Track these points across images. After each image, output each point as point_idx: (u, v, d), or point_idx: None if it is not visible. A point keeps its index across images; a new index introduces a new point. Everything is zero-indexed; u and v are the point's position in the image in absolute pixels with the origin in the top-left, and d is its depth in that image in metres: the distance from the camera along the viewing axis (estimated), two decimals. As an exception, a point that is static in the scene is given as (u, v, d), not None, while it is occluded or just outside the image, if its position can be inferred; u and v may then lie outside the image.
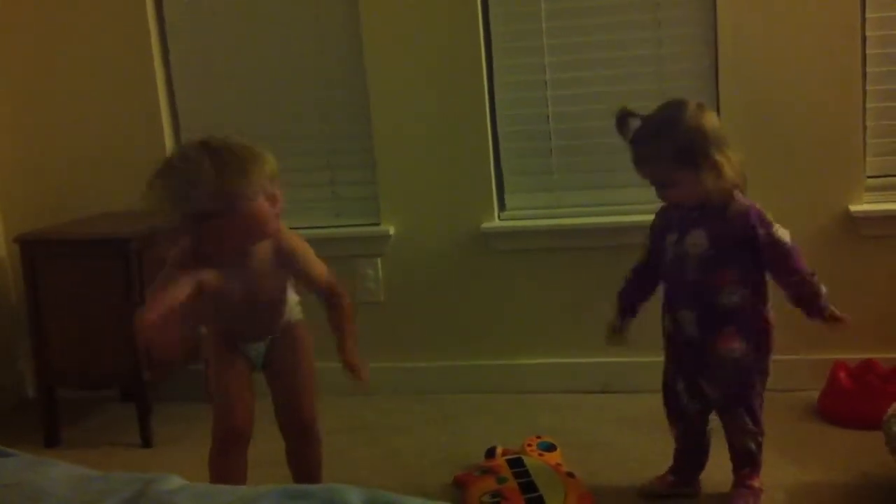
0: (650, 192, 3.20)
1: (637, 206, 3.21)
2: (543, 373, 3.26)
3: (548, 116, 3.25)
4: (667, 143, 2.26)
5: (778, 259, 2.29)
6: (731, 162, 2.26)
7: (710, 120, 2.29)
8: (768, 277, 2.34)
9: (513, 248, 3.29)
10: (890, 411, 2.34)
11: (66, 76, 3.48)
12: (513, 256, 3.29)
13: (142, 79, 3.42)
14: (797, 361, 3.08)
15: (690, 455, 2.46)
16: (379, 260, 3.38)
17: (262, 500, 1.39)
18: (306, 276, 2.29)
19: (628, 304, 2.45)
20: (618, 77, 3.17)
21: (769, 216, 2.29)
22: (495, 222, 3.29)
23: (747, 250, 2.29)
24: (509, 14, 3.22)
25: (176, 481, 1.51)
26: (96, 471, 1.59)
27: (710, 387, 2.35)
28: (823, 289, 2.30)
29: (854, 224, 3.02)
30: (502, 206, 3.33)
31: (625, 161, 3.21)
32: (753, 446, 2.36)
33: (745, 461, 2.38)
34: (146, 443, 3.10)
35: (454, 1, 3.18)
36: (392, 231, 3.35)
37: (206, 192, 2.01)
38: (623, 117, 2.36)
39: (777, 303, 3.10)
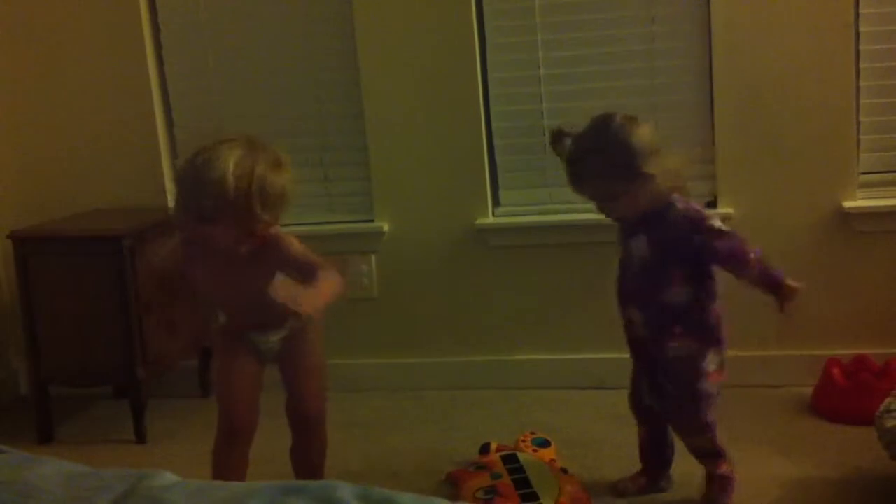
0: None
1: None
2: (538, 369, 3.27)
3: (542, 112, 3.25)
4: (597, 161, 2.27)
5: (721, 261, 2.29)
6: (665, 170, 2.26)
7: (639, 131, 2.28)
8: (716, 271, 2.34)
9: (507, 245, 3.29)
10: (882, 407, 2.35)
11: (59, 73, 3.47)
12: (507, 252, 3.29)
13: (135, 75, 3.41)
14: (791, 357, 3.10)
15: (657, 451, 2.47)
16: (373, 256, 3.38)
17: (255, 496, 1.39)
18: (294, 259, 2.24)
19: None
20: (612, 73, 3.17)
21: (704, 214, 2.29)
22: (489, 218, 3.29)
23: (690, 252, 2.28)
24: (503, 9, 3.21)
25: (169, 478, 1.51)
26: (89, 467, 1.58)
27: (669, 385, 2.35)
28: (774, 270, 2.29)
29: (847, 220, 3.03)
30: (496, 202, 3.33)
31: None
32: (705, 442, 2.35)
33: (703, 454, 2.38)
34: (140, 439, 3.09)
35: (448, -3, 3.18)
36: (386, 227, 3.35)
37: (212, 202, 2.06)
38: (556, 136, 2.38)
39: (768, 298, 3.12)
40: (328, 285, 2.15)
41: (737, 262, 2.28)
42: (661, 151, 2.28)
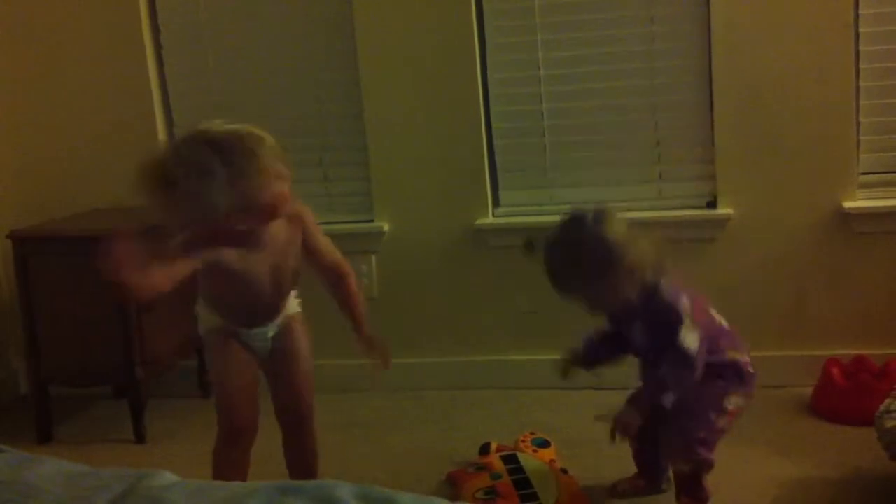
0: (645, 189, 3.23)
1: (631, 203, 3.21)
2: (538, 369, 3.26)
3: (542, 112, 3.25)
4: (576, 266, 2.26)
5: (664, 369, 2.26)
6: (643, 257, 2.24)
7: (611, 226, 2.25)
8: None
9: (507, 245, 3.28)
10: (882, 407, 2.35)
11: (59, 73, 3.47)
12: (507, 252, 3.28)
13: (135, 75, 3.41)
14: (790, 358, 3.09)
15: (652, 459, 2.45)
16: (373, 256, 3.38)
17: (254, 496, 1.39)
18: (314, 244, 2.28)
19: (590, 359, 2.49)
20: (611, 73, 3.17)
21: (680, 320, 2.24)
22: (489, 218, 3.29)
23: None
24: (503, 9, 3.21)
25: (168, 477, 1.51)
26: (88, 467, 1.59)
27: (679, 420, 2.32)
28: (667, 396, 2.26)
29: (847, 220, 3.03)
30: (496, 203, 3.33)
31: (619, 158, 3.24)
32: (686, 470, 2.32)
33: (683, 485, 2.34)
34: (139, 439, 3.09)
35: (448, -3, 3.18)
36: (386, 227, 3.35)
37: (224, 196, 2.01)
38: (527, 248, 2.37)
39: (775, 300, 3.12)
40: (361, 299, 2.29)
41: (660, 385, 2.25)
42: (636, 239, 2.25)
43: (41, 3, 3.44)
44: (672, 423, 2.30)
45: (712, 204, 3.14)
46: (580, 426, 2.57)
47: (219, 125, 2.09)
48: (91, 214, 3.36)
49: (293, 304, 2.40)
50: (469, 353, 3.34)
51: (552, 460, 2.58)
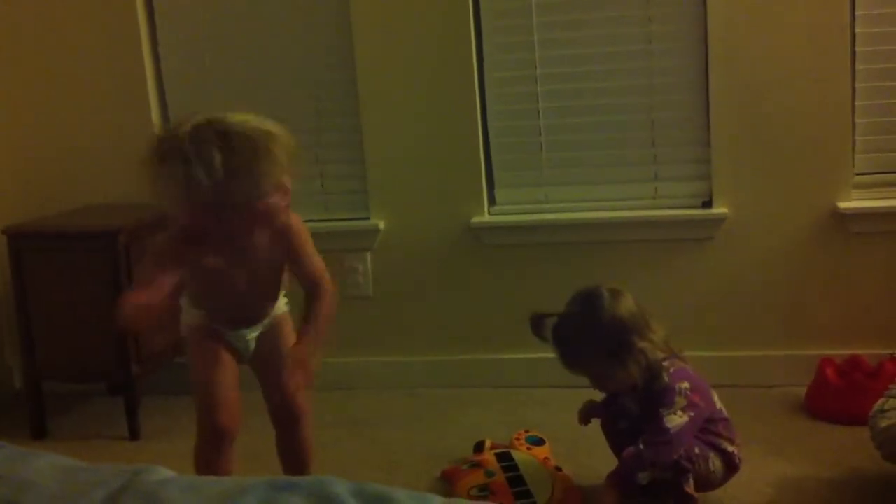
0: (641, 188, 3.24)
1: (626, 202, 3.22)
2: (532, 367, 3.26)
3: (538, 111, 3.25)
4: (588, 345, 2.29)
5: (646, 436, 2.27)
6: (654, 343, 2.28)
7: (626, 306, 2.28)
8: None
9: (502, 243, 3.29)
10: (876, 407, 2.35)
11: (54, 69, 3.46)
12: (502, 251, 3.29)
13: (130, 71, 3.41)
14: (784, 357, 3.10)
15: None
16: (368, 254, 3.38)
17: (249, 491, 1.39)
18: (298, 257, 2.22)
19: (588, 416, 2.52)
20: (608, 73, 3.17)
21: (671, 402, 2.25)
22: (485, 217, 3.29)
23: None
24: (500, 9, 3.21)
25: (163, 473, 1.51)
26: (84, 462, 1.58)
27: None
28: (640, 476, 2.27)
29: (842, 221, 3.03)
30: (492, 201, 3.33)
31: (615, 157, 3.24)
32: (668, 476, 2.29)
33: (668, 492, 2.31)
34: (133, 435, 3.09)
35: (445, -5, 3.18)
36: (381, 225, 3.35)
37: (210, 189, 1.94)
38: (536, 322, 2.38)
39: (770, 300, 3.13)
40: (326, 319, 2.18)
41: (637, 461, 2.25)
42: (647, 320, 2.29)
43: (37, 1, 3.43)
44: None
45: (708, 203, 3.15)
46: (574, 424, 2.57)
47: (240, 117, 2.05)
48: (85, 211, 3.36)
49: (280, 305, 2.37)
50: (464, 351, 3.35)
51: (546, 458, 2.59)
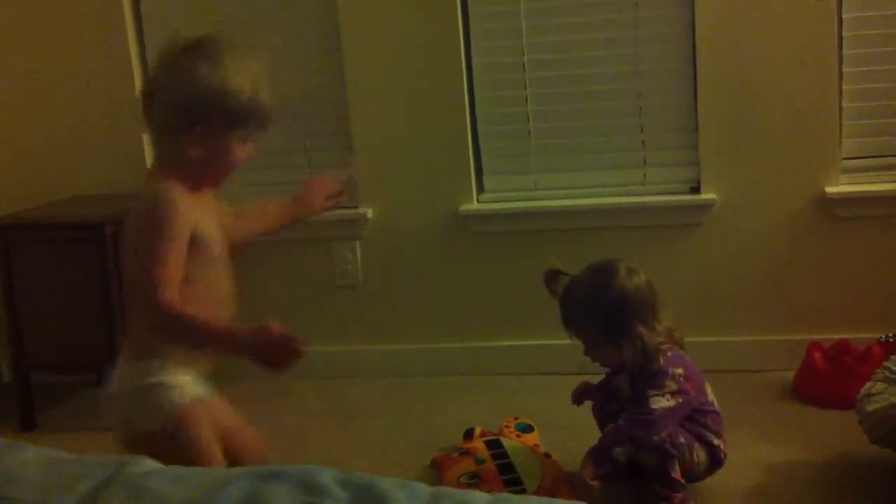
0: (629, 174, 3.24)
1: (615, 189, 3.22)
2: (521, 355, 3.27)
3: (526, 98, 3.24)
4: (591, 312, 2.30)
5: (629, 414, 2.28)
6: (654, 330, 2.28)
7: (637, 285, 2.29)
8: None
9: (491, 231, 3.29)
10: (863, 391, 2.36)
11: (38, 59, 3.44)
12: (491, 238, 3.29)
13: (116, 62, 3.39)
14: (772, 342, 3.11)
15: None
16: (357, 243, 3.37)
17: (235, 481, 1.39)
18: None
19: (582, 397, 2.53)
20: (596, 59, 3.17)
21: (659, 384, 2.25)
22: (474, 204, 3.29)
23: None
24: (487, -4, 3.20)
25: (150, 464, 1.50)
26: (70, 454, 1.58)
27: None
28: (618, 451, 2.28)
29: (830, 205, 3.04)
30: (481, 189, 3.33)
31: (603, 144, 3.24)
32: (652, 462, 2.28)
33: (654, 477, 2.29)
34: (123, 427, 3.08)
35: (432, -18, 3.17)
36: (370, 214, 3.34)
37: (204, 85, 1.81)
38: (551, 275, 2.40)
39: (758, 285, 3.13)
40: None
41: (617, 436, 2.27)
42: (656, 308, 2.30)
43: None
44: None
45: (696, 189, 3.15)
46: (563, 411, 2.58)
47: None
48: (73, 201, 3.35)
49: None
50: (453, 338, 3.35)
51: (536, 445, 2.59)
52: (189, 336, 1.79)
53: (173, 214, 1.77)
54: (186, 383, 1.87)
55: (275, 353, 1.75)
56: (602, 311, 2.29)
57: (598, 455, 2.27)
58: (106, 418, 1.90)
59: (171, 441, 1.81)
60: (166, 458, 1.53)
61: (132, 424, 1.86)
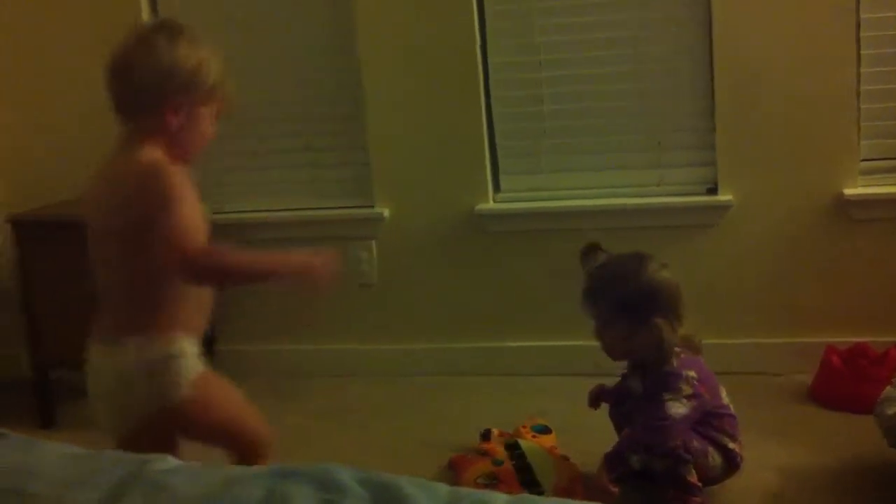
0: (645, 175, 3.23)
1: (631, 189, 3.22)
2: (538, 355, 3.27)
3: (542, 98, 3.24)
4: (615, 290, 2.30)
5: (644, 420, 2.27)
6: (673, 328, 2.26)
7: (667, 280, 2.29)
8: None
9: (507, 230, 3.29)
10: (883, 395, 2.35)
11: (58, 57, 3.46)
12: (507, 238, 3.29)
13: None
14: (789, 345, 3.10)
15: None
16: (373, 242, 3.38)
17: (254, 479, 1.40)
18: None
19: (598, 399, 2.53)
20: (613, 58, 3.16)
21: (671, 388, 2.24)
22: (490, 204, 3.28)
23: None
24: (504, -5, 3.20)
25: (170, 461, 1.51)
26: (91, 450, 1.59)
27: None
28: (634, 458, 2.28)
29: (848, 207, 3.02)
30: (497, 188, 3.33)
31: (619, 144, 3.23)
32: (664, 467, 2.28)
33: (669, 482, 2.29)
34: (140, 424, 3.09)
35: (448, -19, 3.17)
36: (386, 213, 3.34)
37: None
38: (589, 250, 2.40)
39: (775, 286, 3.12)
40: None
41: (632, 444, 2.27)
42: (679, 308, 2.28)
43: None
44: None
45: (713, 190, 3.14)
46: (580, 413, 2.58)
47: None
48: (91, 199, 3.36)
49: None
50: (469, 338, 3.35)
51: (553, 447, 2.59)
52: (240, 268, 1.88)
53: (175, 180, 1.84)
54: (195, 354, 1.91)
55: (316, 274, 1.84)
56: (630, 291, 2.28)
57: (613, 459, 2.27)
58: (98, 421, 1.94)
59: (194, 411, 1.88)
60: (188, 431, 1.72)
61: (135, 411, 1.88)
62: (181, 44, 1.93)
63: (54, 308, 3.11)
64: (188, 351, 1.89)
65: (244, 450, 2.00)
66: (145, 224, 1.79)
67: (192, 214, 1.83)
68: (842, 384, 2.82)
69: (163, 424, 1.85)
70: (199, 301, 1.93)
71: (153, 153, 1.89)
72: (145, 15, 3.39)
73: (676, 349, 2.29)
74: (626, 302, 2.28)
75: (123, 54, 2.01)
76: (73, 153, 3.48)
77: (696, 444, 2.27)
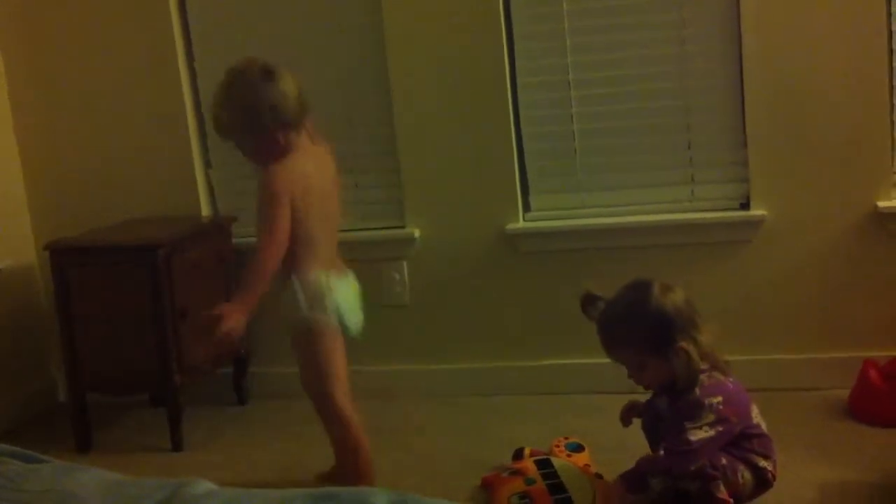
0: (677, 191, 3.22)
1: (663, 206, 3.20)
2: (570, 374, 3.26)
3: (571, 116, 3.24)
4: (632, 331, 2.28)
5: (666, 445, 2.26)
6: (698, 344, 2.24)
7: (676, 302, 2.27)
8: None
9: (538, 249, 3.29)
10: (923, 410, 2.32)
11: (93, 85, 3.52)
12: (538, 257, 3.29)
13: (167, 87, 3.45)
14: (827, 360, 3.07)
15: None
16: (405, 263, 3.39)
17: (291, 502, 1.40)
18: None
19: (630, 415, 2.52)
20: (642, 76, 3.16)
21: (694, 415, 2.21)
22: (520, 223, 3.29)
23: None
24: (532, 14, 3.21)
25: (206, 486, 1.53)
26: (128, 476, 1.61)
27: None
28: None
29: (882, 220, 2.99)
30: (527, 207, 3.33)
31: (650, 160, 3.23)
32: (694, 488, 2.25)
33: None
34: (176, 447, 3.12)
35: (477, 2, 3.19)
36: (417, 234, 3.36)
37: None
38: (588, 300, 2.39)
39: (810, 301, 3.09)
40: (249, 282, 2.33)
41: (653, 467, 2.26)
42: (696, 323, 2.26)
43: (77, 19, 3.48)
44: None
45: (745, 205, 3.12)
46: (614, 430, 2.57)
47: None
48: (127, 224, 3.41)
49: None
50: (501, 358, 3.34)
51: (586, 465, 2.58)
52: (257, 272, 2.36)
53: (281, 186, 2.41)
54: (312, 288, 2.53)
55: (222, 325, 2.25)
56: (643, 329, 2.27)
57: (630, 480, 2.25)
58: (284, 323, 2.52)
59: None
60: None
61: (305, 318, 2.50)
62: (276, 81, 2.57)
63: (91, 333, 3.15)
64: (305, 287, 2.49)
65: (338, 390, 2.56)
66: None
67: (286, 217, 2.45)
68: (880, 399, 2.78)
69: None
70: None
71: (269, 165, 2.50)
72: (180, 56, 3.45)
73: (703, 370, 2.25)
74: (645, 342, 2.27)
75: (228, 94, 2.53)
76: (111, 181, 3.55)
77: (725, 461, 2.25)
